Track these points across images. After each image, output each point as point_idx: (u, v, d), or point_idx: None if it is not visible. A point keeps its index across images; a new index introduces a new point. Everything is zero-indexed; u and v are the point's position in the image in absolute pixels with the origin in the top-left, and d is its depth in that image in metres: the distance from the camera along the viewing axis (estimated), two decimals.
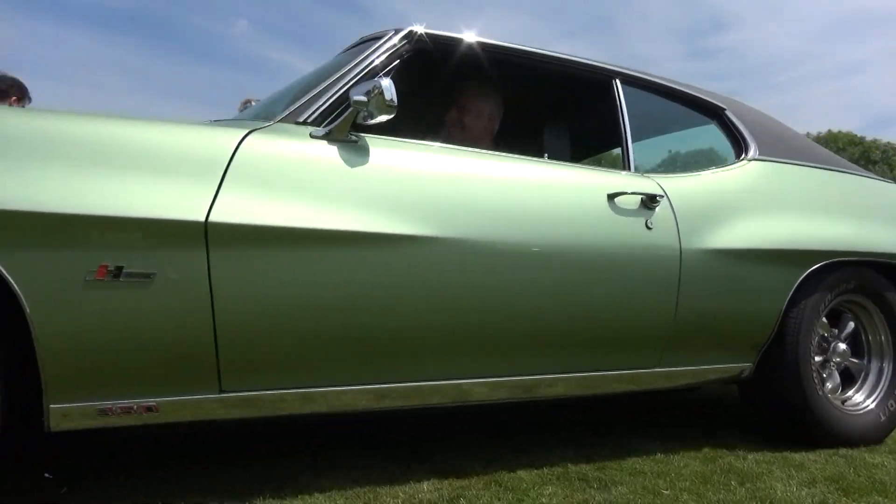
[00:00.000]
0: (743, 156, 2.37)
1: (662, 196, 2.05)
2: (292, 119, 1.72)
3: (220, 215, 1.47)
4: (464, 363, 1.80)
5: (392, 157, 1.77)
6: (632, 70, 2.31)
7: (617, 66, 2.27)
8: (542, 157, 2.20)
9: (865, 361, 2.46)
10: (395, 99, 1.60)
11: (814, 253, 2.24)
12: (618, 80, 2.25)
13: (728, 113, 2.46)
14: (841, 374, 2.41)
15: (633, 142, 2.19)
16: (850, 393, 2.42)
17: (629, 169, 2.17)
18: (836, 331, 2.41)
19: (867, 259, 2.35)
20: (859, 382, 2.44)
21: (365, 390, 1.68)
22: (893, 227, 2.50)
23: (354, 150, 1.70)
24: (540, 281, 1.84)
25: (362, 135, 1.72)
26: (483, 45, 2.05)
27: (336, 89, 1.77)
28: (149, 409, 1.46)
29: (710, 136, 2.47)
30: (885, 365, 2.43)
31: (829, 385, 2.34)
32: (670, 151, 2.75)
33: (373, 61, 1.85)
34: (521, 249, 1.80)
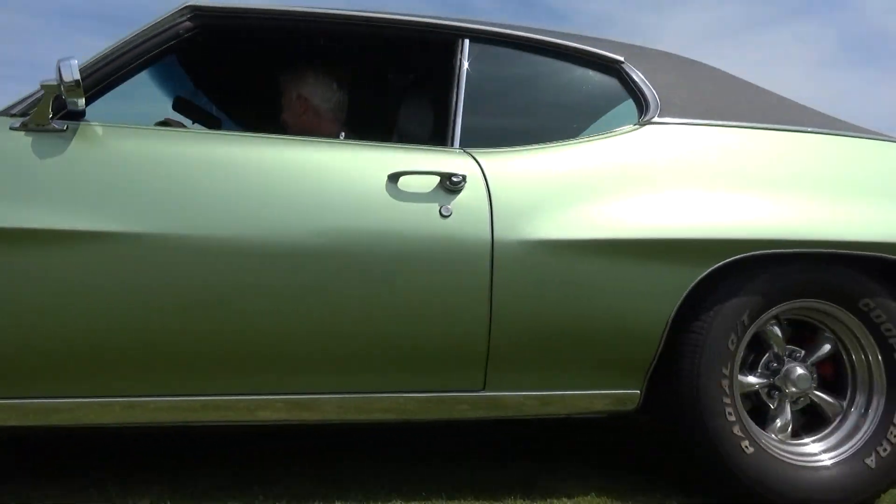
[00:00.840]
0: (638, 119, 1.82)
1: (464, 176, 1.62)
2: (6, 111, 1.53)
3: None
4: (199, 379, 1.53)
5: (109, 146, 1.54)
6: (493, 25, 1.86)
7: (470, 23, 1.85)
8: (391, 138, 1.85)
9: (841, 397, 1.80)
10: (77, 79, 1.41)
11: (717, 244, 1.66)
12: (466, 40, 1.81)
13: (626, 66, 1.88)
14: (809, 413, 1.81)
15: (463, 112, 1.75)
16: (806, 439, 1.78)
17: (452, 145, 1.72)
18: (804, 351, 1.80)
19: (810, 250, 1.70)
20: (833, 426, 1.78)
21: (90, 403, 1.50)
22: (864, 202, 1.79)
23: (59, 139, 1.50)
24: (289, 283, 1.54)
25: (78, 123, 1.52)
26: (284, 14, 1.75)
27: None
28: None
29: (612, 97, 1.90)
30: (872, 404, 1.76)
31: (775, 424, 1.75)
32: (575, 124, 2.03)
33: (138, 44, 1.60)
34: (266, 247, 1.52)
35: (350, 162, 1.67)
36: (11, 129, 1.50)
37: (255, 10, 1.73)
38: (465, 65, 1.79)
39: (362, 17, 1.77)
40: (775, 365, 1.77)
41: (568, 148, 1.76)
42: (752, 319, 1.69)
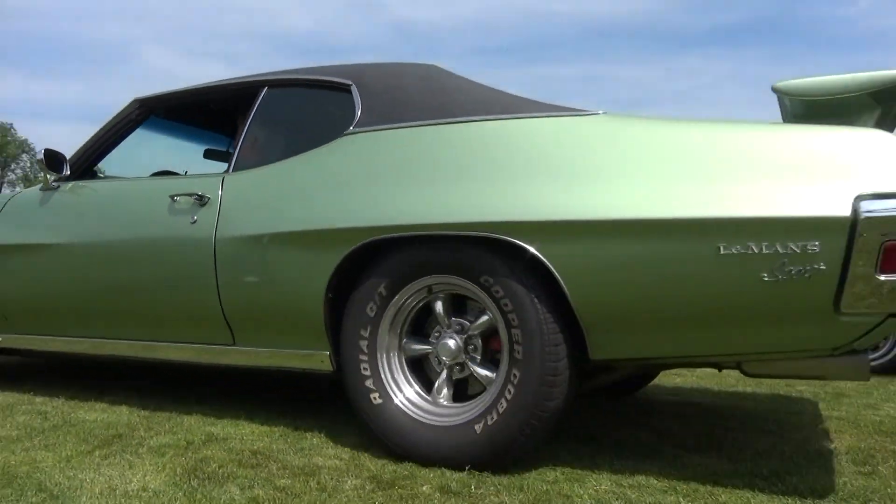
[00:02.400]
0: (343, 132, 2.14)
1: (207, 195, 2.26)
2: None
3: None
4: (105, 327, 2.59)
5: (68, 195, 2.68)
6: (280, 72, 2.49)
7: (269, 75, 2.49)
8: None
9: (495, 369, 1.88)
10: (43, 161, 2.66)
11: (347, 232, 1.94)
12: (265, 87, 2.45)
13: (353, 87, 2.21)
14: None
15: (243, 141, 2.38)
16: (455, 403, 1.93)
17: (229, 170, 2.35)
18: (467, 322, 1.92)
19: (425, 234, 1.86)
20: (480, 395, 1.89)
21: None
22: (489, 184, 1.84)
23: (54, 193, 2.71)
24: (117, 270, 2.47)
25: (73, 183, 2.70)
26: (202, 88, 2.65)
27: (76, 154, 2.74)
28: None
29: (346, 115, 2.20)
30: (502, 376, 1.81)
31: (435, 386, 1.93)
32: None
33: (108, 130, 2.73)
34: (109, 248, 2.49)
35: (155, 189, 2.48)
36: (40, 189, 2.77)
37: (168, 93, 2.71)
38: (256, 106, 2.43)
39: (215, 85, 2.61)
40: (437, 335, 1.96)
41: (287, 162, 2.21)
42: (393, 291, 1.92)
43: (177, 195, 2.32)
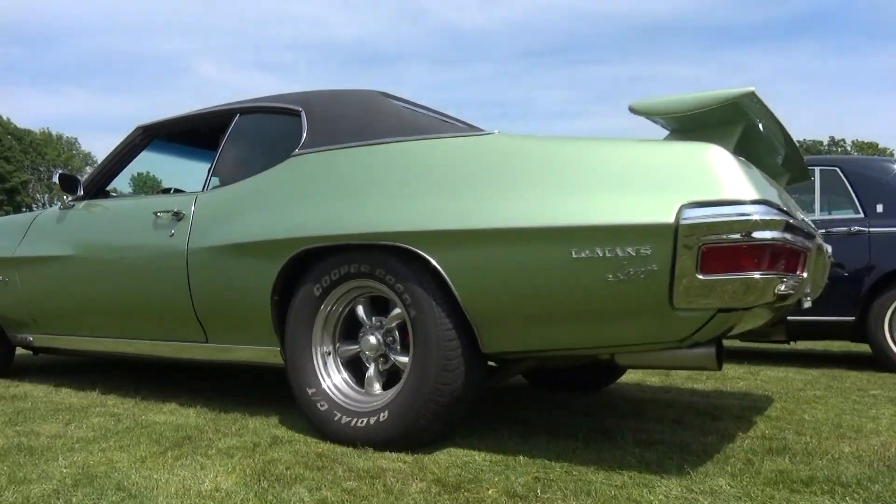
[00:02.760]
0: (291, 153, 2.42)
1: (183, 212, 2.61)
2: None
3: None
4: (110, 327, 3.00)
5: (80, 213, 3.13)
6: (249, 101, 2.79)
7: (241, 103, 2.80)
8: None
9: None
10: (58, 183, 3.27)
11: (284, 242, 2.22)
12: (238, 114, 2.78)
13: (302, 112, 2.50)
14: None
15: (217, 164, 2.72)
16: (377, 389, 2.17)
17: (203, 189, 2.68)
18: (385, 318, 2.15)
19: (344, 244, 2.11)
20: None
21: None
22: (395, 198, 2.07)
23: (69, 211, 3.17)
24: (112, 278, 2.86)
25: (85, 202, 3.15)
26: (193, 115, 3.01)
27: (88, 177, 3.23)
28: None
29: (297, 138, 2.48)
30: (407, 362, 2.03)
31: (365, 378, 2.17)
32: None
33: (116, 153, 3.16)
34: (106, 259, 2.90)
35: (144, 207, 2.82)
36: (59, 208, 3.25)
37: (166, 119, 3.09)
38: (229, 130, 2.76)
39: (201, 112, 2.96)
40: (362, 334, 2.20)
41: (246, 181, 2.50)
42: (324, 294, 2.18)
43: (159, 212, 2.68)
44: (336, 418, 2.10)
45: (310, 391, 2.17)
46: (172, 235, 2.59)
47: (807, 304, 2.24)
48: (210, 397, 2.89)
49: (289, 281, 2.26)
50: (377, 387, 2.16)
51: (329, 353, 2.23)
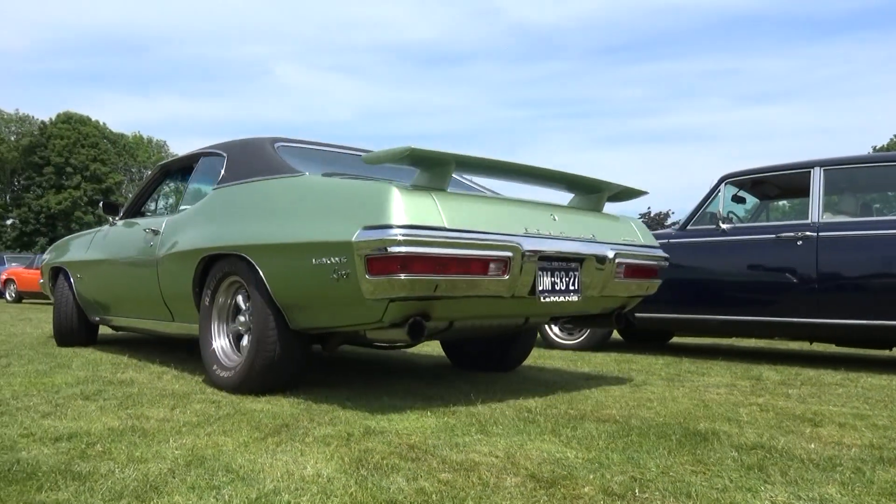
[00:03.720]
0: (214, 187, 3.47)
1: (158, 230, 3.73)
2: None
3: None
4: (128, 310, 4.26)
5: (112, 229, 4.51)
6: (209, 146, 3.86)
7: (206, 148, 3.87)
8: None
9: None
10: (102, 209, 4.64)
11: (195, 251, 3.23)
12: (202, 157, 3.89)
13: (225, 156, 3.51)
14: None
15: (187, 195, 3.91)
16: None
17: (172, 213, 3.87)
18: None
19: (218, 252, 3.09)
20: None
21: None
22: (241, 222, 3.07)
23: (111, 228, 4.56)
24: (121, 275, 4.15)
25: (121, 221, 4.49)
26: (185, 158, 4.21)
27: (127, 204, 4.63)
28: None
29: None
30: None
31: (224, 342, 3.14)
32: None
33: (145, 185, 4.57)
34: (119, 261, 4.18)
35: (140, 225, 4.04)
36: (109, 225, 4.64)
37: (175, 159, 4.32)
38: (194, 168, 3.92)
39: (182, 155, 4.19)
40: (241, 316, 3.10)
41: (190, 208, 3.58)
42: (216, 289, 3.14)
43: (147, 229, 3.83)
44: (214, 369, 3.05)
45: (209, 350, 3.12)
46: (151, 246, 3.73)
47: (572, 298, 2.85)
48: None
49: (202, 278, 3.22)
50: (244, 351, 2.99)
51: (221, 329, 3.15)
